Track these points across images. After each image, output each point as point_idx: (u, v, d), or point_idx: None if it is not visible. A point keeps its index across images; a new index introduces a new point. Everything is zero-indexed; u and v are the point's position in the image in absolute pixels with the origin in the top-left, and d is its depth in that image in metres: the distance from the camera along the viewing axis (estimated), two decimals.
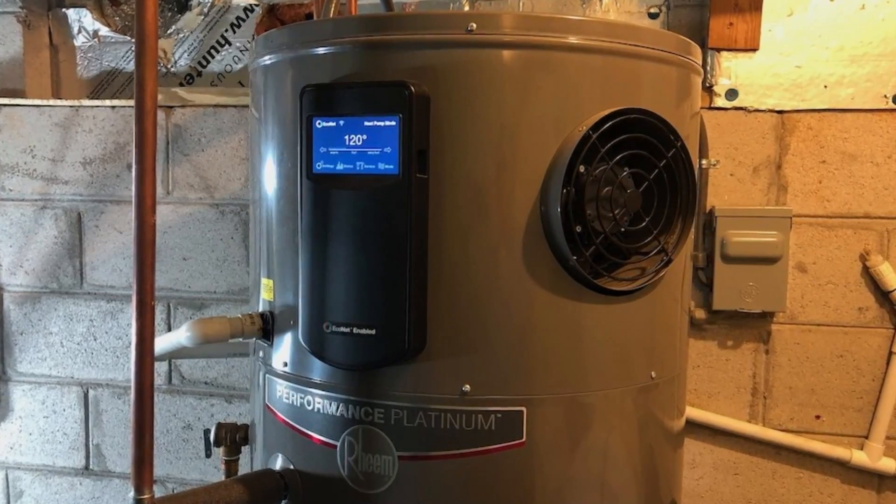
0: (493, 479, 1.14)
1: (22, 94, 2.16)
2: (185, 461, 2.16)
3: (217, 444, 1.46)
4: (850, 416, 1.88)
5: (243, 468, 1.46)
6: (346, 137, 1.10)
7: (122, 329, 2.15)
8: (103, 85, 2.25)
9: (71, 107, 2.09)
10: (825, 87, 1.83)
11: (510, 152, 1.10)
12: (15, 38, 2.16)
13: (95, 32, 2.23)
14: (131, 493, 1.12)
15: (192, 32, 2.18)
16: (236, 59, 2.16)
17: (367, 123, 1.09)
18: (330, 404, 1.17)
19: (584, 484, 1.18)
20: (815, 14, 1.82)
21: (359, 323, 1.11)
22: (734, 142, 1.85)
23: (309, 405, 1.19)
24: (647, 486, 1.27)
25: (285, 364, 1.23)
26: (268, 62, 1.24)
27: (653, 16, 1.93)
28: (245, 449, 1.47)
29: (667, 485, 1.33)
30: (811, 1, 1.83)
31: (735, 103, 1.85)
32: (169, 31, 2.18)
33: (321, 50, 1.15)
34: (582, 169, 1.08)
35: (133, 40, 1.16)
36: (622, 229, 1.14)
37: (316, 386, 1.18)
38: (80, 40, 2.25)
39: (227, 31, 2.16)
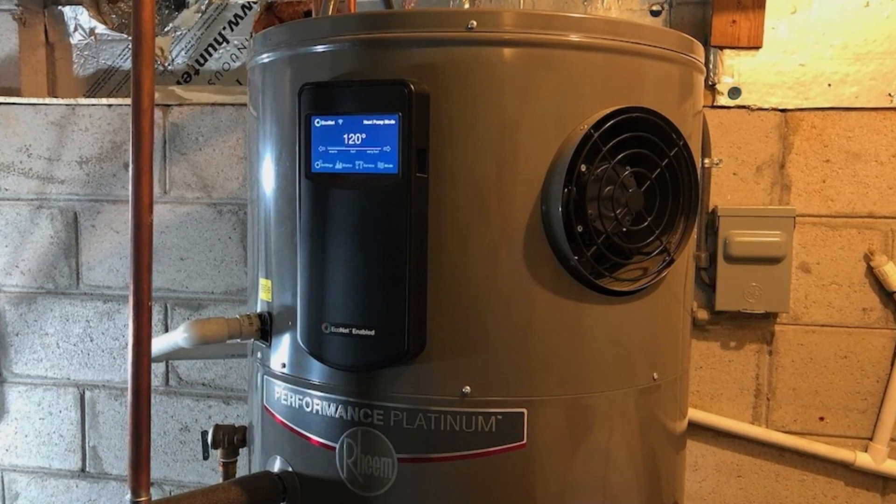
0: (493, 482, 1.13)
1: (17, 93, 2.15)
2: (182, 463, 2.16)
3: (215, 445, 1.46)
4: (855, 417, 1.88)
5: (241, 470, 1.47)
6: (345, 136, 1.09)
7: (119, 330, 2.14)
8: (100, 83, 2.25)
9: (67, 105, 2.09)
10: (829, 85, 1.83)
11: (511, 151, 1.09)
12: (10, 35, 2.16)
13: (92, 30, 2.22)
14: (128, 496, 1.12)
15: (189, 30, 2.17)
16: (234, 56, 2.16)
17: (366, 122, 1.08)
18: (329, 406, 1.16)
19: (586, 486, 1.18)
20: (818, 12, 1.82)
21: (358, 324, 1.10)
22: (737, 141, 1.85)
23: (307, 407, 1.19)
24: (649, 488, 1.27)
25: (284, 365, 1.22)
26: (266, 60, 1.23)
27: (655, 13, 1.93)
28: (243, 451, 1.47)
29: (669, 487, 1.32)
30: None
31: (738, 102, 1.84)
32: (166, 29, 2.17)
33: (320, 48, 1.14)
34: (583, 168, 1.08)
35: (130, 38, 1.15)
36: (624, 229, 1.13)
37: (314, 387, 1.18)
38: (76, 38, 2.24)
39: (224, 28, 2.16)
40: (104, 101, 2.08)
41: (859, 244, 1.83)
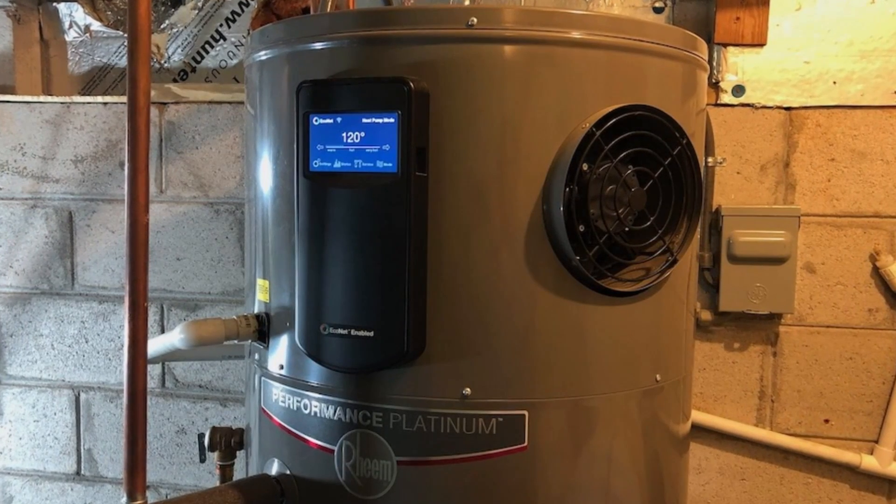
0: (494, 485, 1.13)
1: (12, 91, 2.15)
2: (178, 466, 2.15)
3: (211, 448, 1.45)
4: (860, 419, 1.87)
5: (238, 473, 1.46)
6: (344, 135, 1.09)
7: (115, 331, 2.13)
8: (95, 81, 2.24)
9: (62, 103, 2.08)
10: (834, 83, 1.82)
11: (512, 150, 1.09)
12: (4, 32, 2.15)
13: (87, 27, 2.22)
14: (124, 499, 1.12)
15: (185, 27, 2.17)
16: (231, 54, 2.16)
17: (365, 120, 1.08)
18: (327, 408, 1.16)
19: (588, 490, 1.18)
20: (823, 8, 1.81)
21: (356, 324, 1.10)
22: (741, 139, 1.84)
23: (305, 409, 1.18)
24: (652, 491, 1.26)
25: (281, 367, 1.22)
26: (264, 58, 1.23)
27: (658, 10, 1.92)
28: (240, 454, 1.46)
29: (672, 490, 1.32)
30: None
31: (742, 100, 1.84)
32: (162, 26, 2.17)
33: (318, 45, 1.14)
34: (585, 167, 1.07)
35: (126, 35, 1.14)
36: (626, 229, 1.13)
37: (313, 389, 1.17)
38: (71, 35, 2.23)
39: (221, 25, 2.15)
40: (99, 98, 2.07)
41: (865, 244, 1.82)
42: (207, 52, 2.16)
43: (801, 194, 1.83)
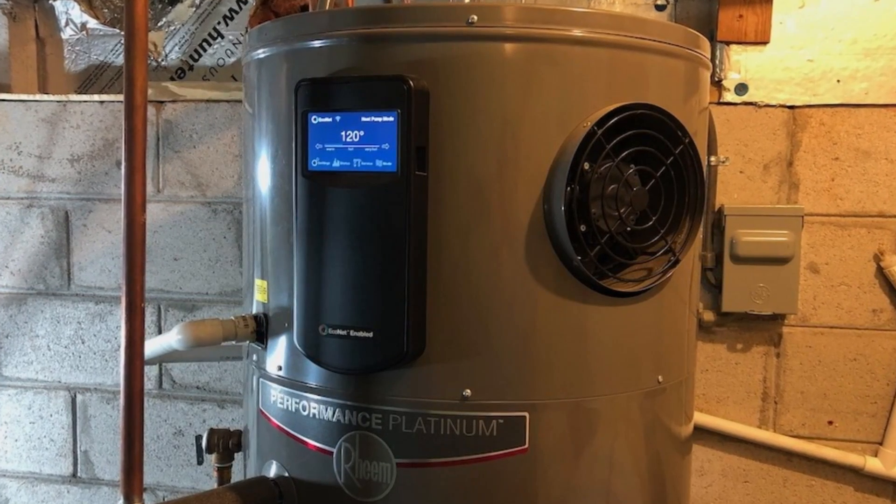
0: (494, 487, 1.12)
1: (7, 89, 2.15)
2: (176, 468, 2.15)
3: (209, 450, 1.45)
4: (864, 421, 1.86)
5: (236, 475, 1.45)
6: (343, 134, 1.09)
7: (111, 332, 2.13)
8: (92, 79, 2.24)
9: (58, 102, 2.08)
10: (838, 81, 1.81)
11: (512, 149, 1.09)
12: (0, 30, 2.15)
13: (83, 25, 2.22)
14: (120, 502, 1.11)
15: (183, 25, 2.16)
16: (229, 52, 2.15)
17: (364, 119, 1.07)
18: (326, 409, 1.16)
19: (589, 492, 1.17)
20: (827, 6, 1.81)
21: (356, 325, 1.09)
22: (744, 138, 1.83)
23: (304, 410, 1.18)
24: (654, 494, 1.26)
25: (280, 368, 1.21)
26: (262, 56, 1.22)
27: (660, 8, 1.91)
28: (238, 456, 1.46)
29: (674, 493, 1.31)
30: None
31: (745, 98, 1.84)
32: (159, 24, 2.17)
33: (317, 43, 1.13)
34: (586, 166, 1.07)
35: (122, 33, 1.13)
36: (628, 228, 1.13)
37: (311, 390, 1.17)
38: (67, 33, 2.23)
39: (219, 23, 2.15)
40: (96, 97, 2.07)
41: (869, 244, 1.82)
42: (205, 50, 2.16)
43: (805, 194, 1.83)
